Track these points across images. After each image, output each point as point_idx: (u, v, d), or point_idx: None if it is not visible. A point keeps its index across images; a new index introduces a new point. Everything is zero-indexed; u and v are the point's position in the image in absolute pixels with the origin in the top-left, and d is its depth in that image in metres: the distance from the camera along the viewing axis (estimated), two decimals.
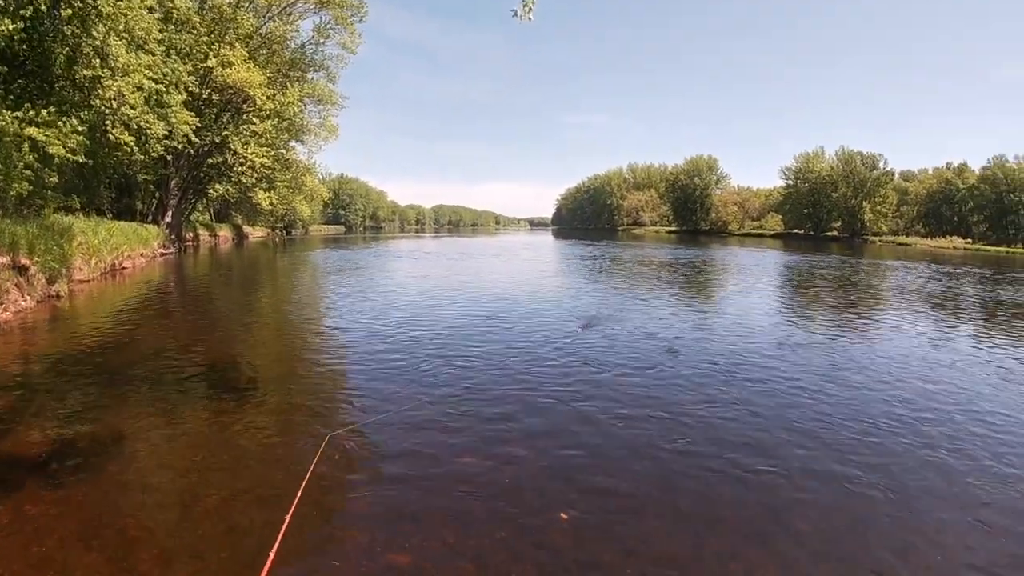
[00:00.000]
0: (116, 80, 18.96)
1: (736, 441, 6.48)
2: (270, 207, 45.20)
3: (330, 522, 4.71)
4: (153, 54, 21.15)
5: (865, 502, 5.25)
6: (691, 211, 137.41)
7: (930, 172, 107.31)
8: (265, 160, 35.99)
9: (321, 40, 39.42)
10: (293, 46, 39.85)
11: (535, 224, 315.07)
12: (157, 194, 37.67)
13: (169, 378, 8.54)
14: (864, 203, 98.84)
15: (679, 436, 6.58)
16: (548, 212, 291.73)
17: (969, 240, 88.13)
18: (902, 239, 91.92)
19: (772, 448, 6.33)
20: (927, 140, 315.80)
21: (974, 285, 26.34)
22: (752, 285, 23.52)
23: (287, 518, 4.39)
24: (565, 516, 4.84)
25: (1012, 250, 78.22)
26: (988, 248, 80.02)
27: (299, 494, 4.81)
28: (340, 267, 29.26)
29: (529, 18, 6.59)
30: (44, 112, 16.85)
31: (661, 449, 6.21)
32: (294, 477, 5.29)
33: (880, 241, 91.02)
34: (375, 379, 8.50)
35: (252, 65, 33.19)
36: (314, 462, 5.49)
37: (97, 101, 19.01)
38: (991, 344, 12.75)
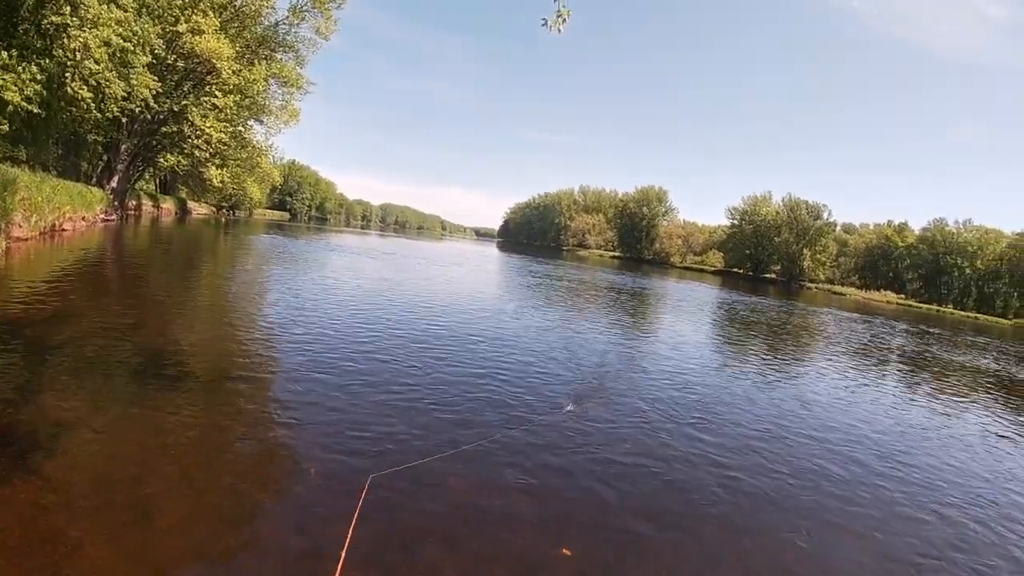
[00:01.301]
0: (84, 31, 17.91)
1: (729, 475, 6.69)
2: (221, 184, 43.55)
3: (320, 556, 4.21)
4: (125, 10, 20.08)
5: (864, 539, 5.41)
6: (637, 239, 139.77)
7: (871, 227, 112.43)
8: (222, 136, 35.00)
9: (296, 21, 38.38)
10: (266, 23, 38.72)
11: (481, 234, 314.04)
12: (105, 157, 35.87)
13: (113, 362, 7.73)
14: (805, 250, 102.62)
15: (677, 472, 6.57)
16: (494, 222, 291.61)
17: (902, 296, 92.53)
18: (838, 288, 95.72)
19: (761, 483, 6.62)
20: (872, 194, 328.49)
21: (939, 346, 27.57)
22: (731, 331, 23.88)
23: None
24: (568, 552, 4.62)
25: (943, 309, 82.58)
26: (920, 305, 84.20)
27: (349, 536, 4.29)
28: (294, 257, 28.10)
29: (559, 30, 6.23)
30: (4, 55, 15.69)
31: (657, 486, 6.18)
32: (258, 487, 5.01)
33: (816, 288, 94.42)
34: (352, 395, 7.81)
35: (222, 36, 32.08)
36: (358, 502, 5.07)
37: (60, 51, 17.89)
38: (976, 409, 13.37)
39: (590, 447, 6.94)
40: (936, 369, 19.67)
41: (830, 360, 17.79)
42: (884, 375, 16.81)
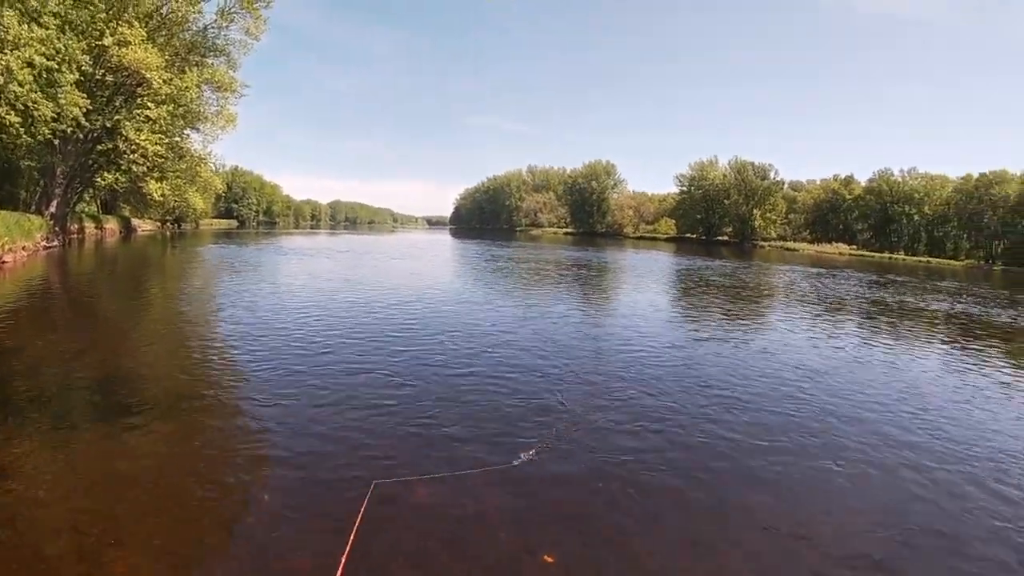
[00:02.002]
0: (5, 54, 17.17)
1: (716, 463, 6.44)
2: (161, 198, 42.31)
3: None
4: (47, 28, 19.32)
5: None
6: (588, 214, 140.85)
7: (818, 183, 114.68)
8: (158, 148, 33.96)
9: (224, 24, 37.36)
10: (194, 28, 37.58)
11: (433, 223, 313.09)
12: (42, 182, 34.61)
13: (60, 396, 7.52)
14: (755, 210, 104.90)
15: (661, 463, 6.32)
16: (445, 211, 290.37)
17: (854, 246, 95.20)
18: (790, 244, 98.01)
19: (752, 467, 6.39)
20: (817, 153, 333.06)
21: (912, 294, 28.23)
22: (708, 298, 24.19)
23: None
24: (550, 559, 4.46)
25: (894, 256, 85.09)
26: (872, 254, 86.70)
27: (347, 553, 4.12)
28: (246, 265, 27.55)
29: None
30: None
31: (640, 479, 5.92)
32: (216, 526, 4.76)
33: (769, 246, 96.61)
34: (306, 409, 7.52)
35: (150, 46, 31.10)
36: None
37: None
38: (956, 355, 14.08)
39: (581, 443, 6.78)
40: (923, 319, 20.00)
41: (816, 319, 18.15)
42: (875, 330, 16.93)
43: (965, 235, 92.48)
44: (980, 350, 14.41)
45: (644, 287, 25.32)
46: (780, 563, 4.63)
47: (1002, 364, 12.90)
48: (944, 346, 14.88)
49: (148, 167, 35.57)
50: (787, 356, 11.99)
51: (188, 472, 5.60)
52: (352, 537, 4.41)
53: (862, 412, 8.44)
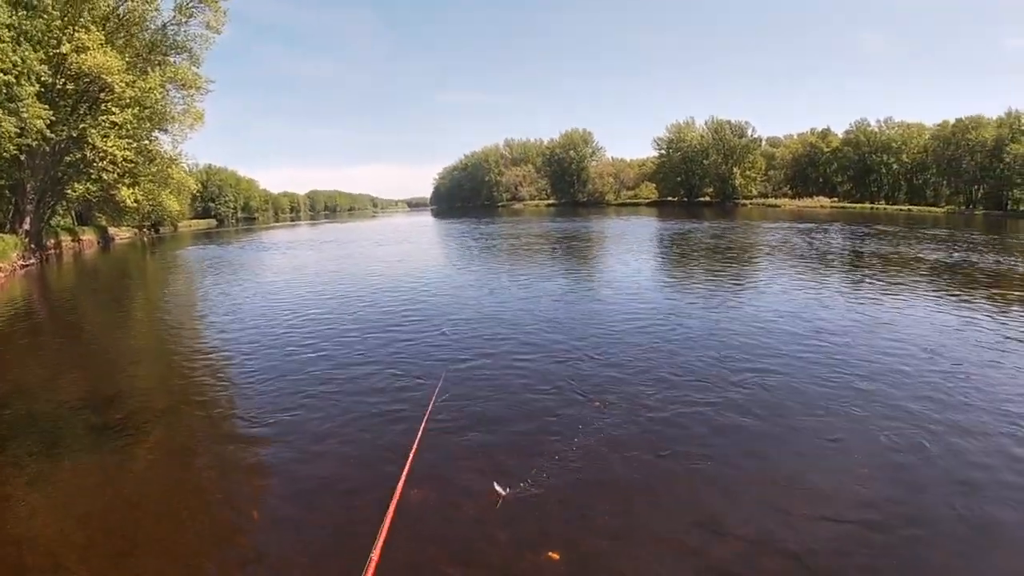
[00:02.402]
0: None
1: (727, 442, 6.20)
2: (135, 204, 41.37)
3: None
4: (2, 41, 18.55)
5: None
6: (569, 184, 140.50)
7: (795, 137, 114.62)
8: (127, 153, 33.15)
9: (183, 20, 36.39)
10: (153, 27, 36.56)
11: (413, 205, 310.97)
12: (13, 200, 33.79)
13: (49, 419, 7.30)
14: (734, 169, 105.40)
15: (664, 450, 6.03)
16: (425, 191, 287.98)
17: (835, 199, 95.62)
18: (771, 201, 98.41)
19: (764, 444, 6.16)
20: (792, 108, 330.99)
21: (906, 244, 28.23)
22: (704, 262, 24.09)
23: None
24: (555, 555, 4.30)
25: (875, 206, 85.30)
26: (853, 205, 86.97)
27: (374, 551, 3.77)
28: (229, 265, 27.13)
29: None
30: None
31: (644, 466, 5.70)
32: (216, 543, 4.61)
33: (751, 204, 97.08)
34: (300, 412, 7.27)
35: (109, 49, 30.22)
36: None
37: None
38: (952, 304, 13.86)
39: (591, 430, 6.45)
40: (926, 270, 19.45)
41: (821, 276, 18.10)
42: (882, 283, 16.50)
43: (944, 181, 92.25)
44: (991, 300, 14.00)
45: (639, 256, 25.13)
46: (792, 540, 4.46)
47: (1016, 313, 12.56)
48: (955, 297, 14.30)
49: (118, 174, 34.64)
50: (801, 319, 11.76)
51: (186, 489, 5.49)
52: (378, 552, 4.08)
53: (886, 375, 8.13)
